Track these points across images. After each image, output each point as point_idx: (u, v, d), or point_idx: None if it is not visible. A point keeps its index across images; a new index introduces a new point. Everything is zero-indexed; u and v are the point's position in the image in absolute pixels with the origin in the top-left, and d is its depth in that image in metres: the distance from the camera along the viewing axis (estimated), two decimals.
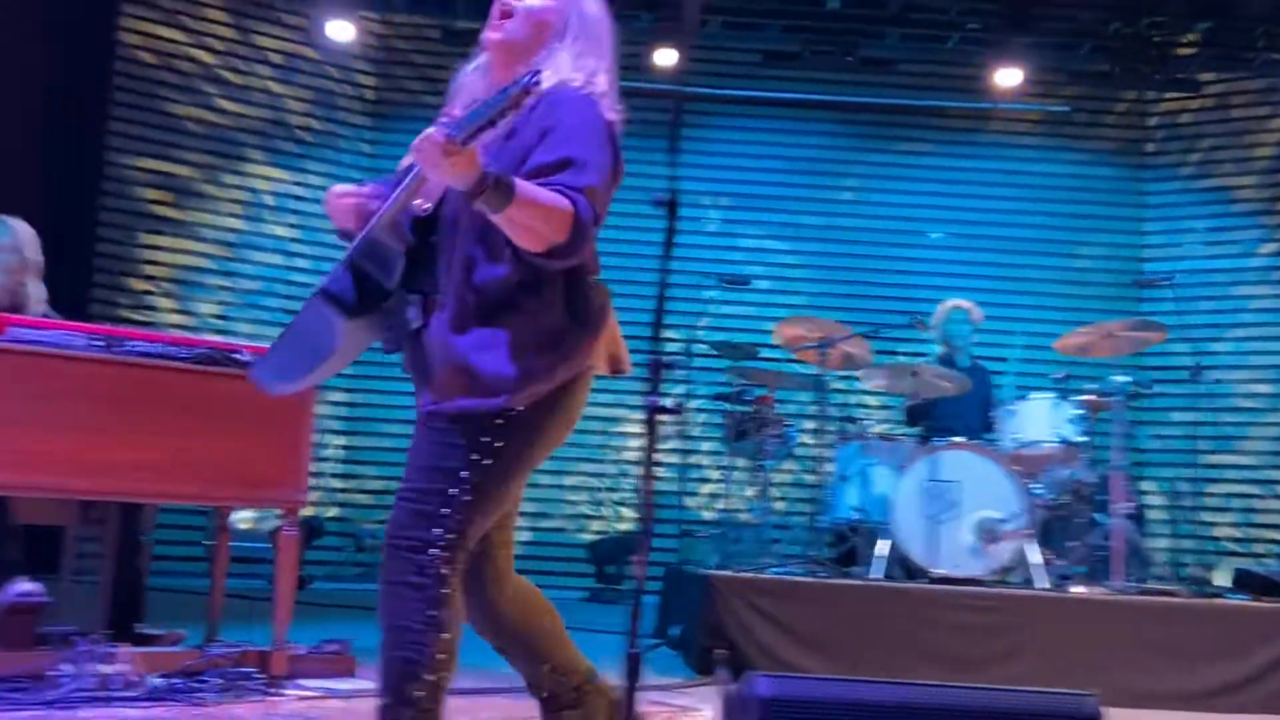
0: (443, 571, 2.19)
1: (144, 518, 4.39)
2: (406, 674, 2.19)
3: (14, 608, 3.85)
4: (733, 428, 6.05)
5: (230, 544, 4.49)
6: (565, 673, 2.52)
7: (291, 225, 9.41)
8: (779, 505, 6.22)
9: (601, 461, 9.59)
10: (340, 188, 2.45)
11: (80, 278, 8.03)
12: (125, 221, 8.82)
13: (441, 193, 2.29)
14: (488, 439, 2.22)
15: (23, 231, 4.52)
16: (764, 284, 8.97)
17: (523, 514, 9.16)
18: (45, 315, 4.35)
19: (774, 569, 5.39)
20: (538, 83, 2.01)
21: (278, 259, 9.34)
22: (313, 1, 9.07)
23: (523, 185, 2.07)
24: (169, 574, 6.67)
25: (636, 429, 9.58)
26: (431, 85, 9.90)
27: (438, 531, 2.19)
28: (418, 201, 2.28)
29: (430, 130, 2.02)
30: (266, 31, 9.40)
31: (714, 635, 4.82)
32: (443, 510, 2.20)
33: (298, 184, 9.47)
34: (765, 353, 6.84)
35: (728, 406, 6.18)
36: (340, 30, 9.14)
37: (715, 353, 6.92)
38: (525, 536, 9.55)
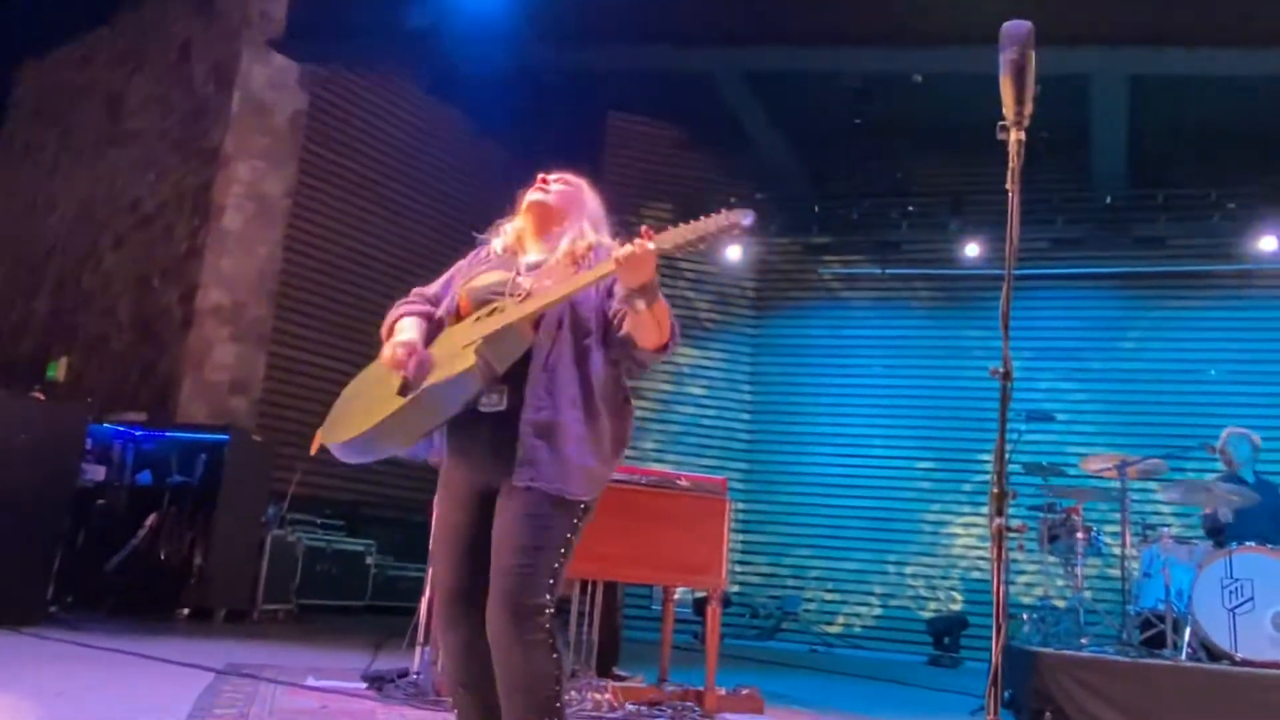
0: (551, 625, 1.96)
1: (619, 590, 4.58)
2: (548, 707, 1.93)
3: None
4: (1046, 533, 5.54)
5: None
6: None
7: (703, 387, 9.80)
8: (1087, 595, 5.56)
9: (933, 556, 9.06)
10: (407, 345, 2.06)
11: None
12: None
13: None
14: (577, 521, 2.02)
15: None
16: (1062, 417, 8.27)
17: (874, 594, 9.03)
18: None
19: (1090, 648, 4.82)
20: (738, 228, 1.82)
21: (692, 409, 9.74)
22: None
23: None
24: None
25: (959, 530, 9.01)
26: (796, 284, 10.13)
27: (548, 596, 1.96)
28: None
29: (643, 244, 1.86)
30: (686, 259, 10.01)
31: (1041, 700, 4.37)
32: (549, 580, 1.96)
33: (705, 359, 9.88)
34: (1069, 471, 6.26)
35: (1041, 515, 5.67)
36: (732, 252, 9.61)
37: (1025, 473, 6.42)
38: (877, 612, 9.12)
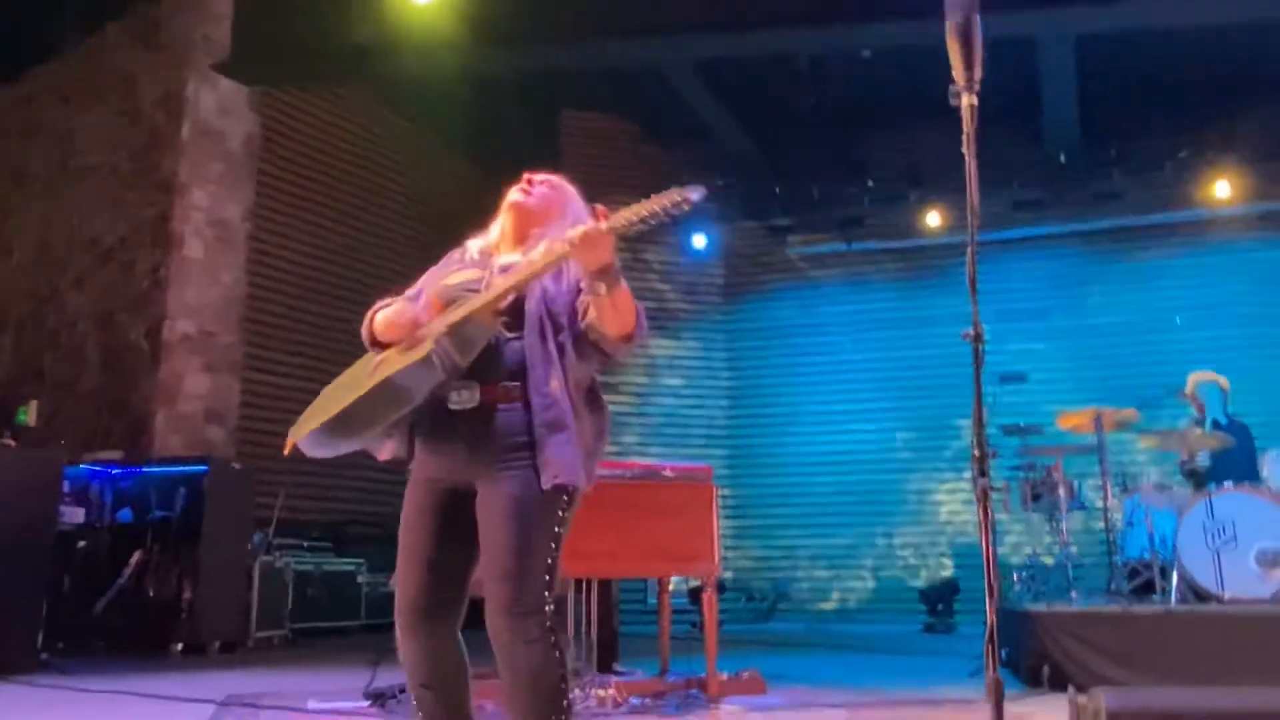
0: (552, 622, 1.93)
1: (614, 585, 4.58)
2: (555, 704, 1.92)
3: None
4: (1029, 492, 5.61)
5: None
6: None
7: (680, 377, 9.81)
8: (1074, 549, 5.64)
9: (921, 524, 9.14)
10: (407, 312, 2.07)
11: None
12: None
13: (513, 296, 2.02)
14: (563, 513, 1.99)
15: None
16: (1035, 376, 8.35)
17: (866, 568, 9.10)
18: None
19: (1080, 601, 4.89)
20: (689, 202, 1.83)
21: (671, 401, 9.75)
22: (679, 222, 9.59)
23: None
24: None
25: (943, 498, 9.09)
26: (764, 267, 10.15)
27: (546, 595, 1.93)
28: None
29: (596, 225, 1.86)
30: (651, 250, 10.02)
31: (1038, 656, 4.42)
32: (546, 577, 1.94)
33: (680, 349, 9.89)
34: (1046, 429, 6.32)
35: (1023, 475, 5.74)
36: (698, 239, 9.62)
37: (1004, 434, 6.48)
38: (870, 585, 9.19)
